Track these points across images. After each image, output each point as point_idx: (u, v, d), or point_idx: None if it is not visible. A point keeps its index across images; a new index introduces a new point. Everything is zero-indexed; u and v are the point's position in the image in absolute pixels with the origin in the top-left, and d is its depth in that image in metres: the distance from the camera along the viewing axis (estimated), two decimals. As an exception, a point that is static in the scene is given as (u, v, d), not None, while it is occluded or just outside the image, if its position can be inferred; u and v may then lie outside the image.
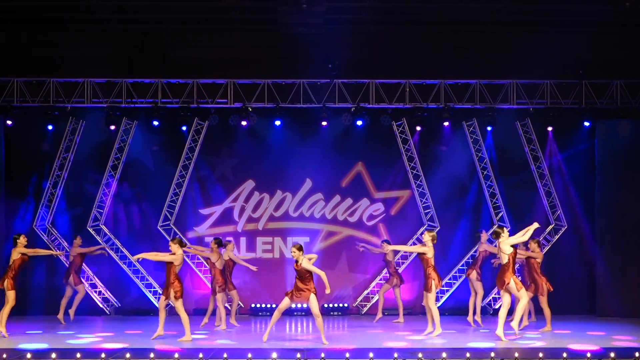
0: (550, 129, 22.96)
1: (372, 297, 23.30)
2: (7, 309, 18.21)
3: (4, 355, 14.58)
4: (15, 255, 18.46)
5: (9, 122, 22.20)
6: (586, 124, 22.70)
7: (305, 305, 22.92)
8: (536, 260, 19.66)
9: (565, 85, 22.28)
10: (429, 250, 18.01)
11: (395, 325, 20.41)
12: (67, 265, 21.46)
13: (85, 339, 17.65)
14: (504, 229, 17.65)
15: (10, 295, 18.20)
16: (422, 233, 22.92)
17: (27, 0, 20.98)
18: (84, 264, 22.20)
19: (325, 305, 22.91)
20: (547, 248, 23.12)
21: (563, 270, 23.50)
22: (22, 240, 18.49)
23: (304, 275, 17.04)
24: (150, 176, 23.51)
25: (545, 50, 21.96)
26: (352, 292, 23.52)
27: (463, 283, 22.87)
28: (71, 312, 20.99)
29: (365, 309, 23.33)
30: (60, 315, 20.86)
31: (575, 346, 16.00)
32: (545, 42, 22.19)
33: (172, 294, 17.20)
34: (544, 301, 19.46)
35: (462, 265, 23.09)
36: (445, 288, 23.03)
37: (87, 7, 21.37)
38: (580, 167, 23.49)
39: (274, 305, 22.81)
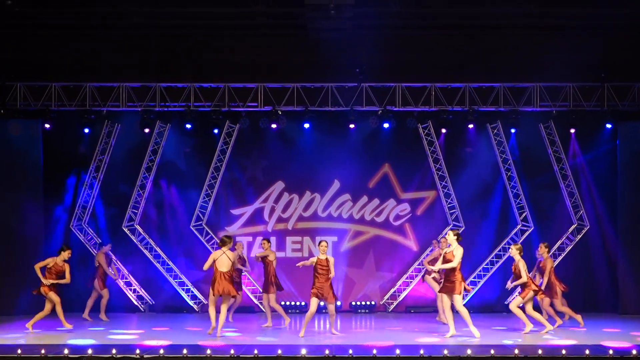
0: (572, 131, 23.20)
1: (399, 295, 23.68)
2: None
3: (42, 351, 14.88)
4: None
5: (47, 126, 22.63)
6: (608, 126, 22.90)
7: (338, 303, 23.51)
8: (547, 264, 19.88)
9: (587, 88, 22.47)
10: (460, 254, 17.71)
11: (423, 323, 20.69)
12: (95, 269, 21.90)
13: (121, 336, 18.04)
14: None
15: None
16: (446, 233, 23.42)
17: (64, 8, 21.20)
18: (119, 262, 22.84)
19: (353, 303, 23.32)
20: (569, 247, 23.42)
21: (585, 269, 23.74)
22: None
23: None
24: (183, 177, 23.87)
25: (567, 54, 22.04)
26: (379, 290, 23.89)
27: (488, 281, 23.27)
28: (102, 316, 21.43)
29: (391, 307, 23.69)
30: (86, 314, 21.40)
31: (609, 343, 16.27)
32: (568, 45, 22.29)
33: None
34: (558, 304, 19.72)
35: (487, 264, 23.45)
36: (469, 287, 23.28)
37: (122, 14, 21.67)
38: (603, 168, 23.67)
39: (303, 303, 23.31)
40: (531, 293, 18.53)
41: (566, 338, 17.50)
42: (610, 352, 14.78)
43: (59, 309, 19.08)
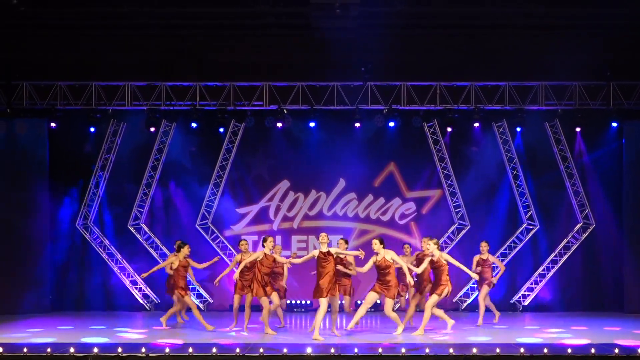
0: (578, 129, 23.25)
1: (403, 295, 23.52)
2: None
3: (48, 350, 14.92)
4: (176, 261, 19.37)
5: (53, 125, 22.68)
6: (614, 124, 22.92)
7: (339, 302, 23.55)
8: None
9: (593, 87, 22.49)
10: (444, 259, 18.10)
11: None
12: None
13: (127, 334, 18.02)
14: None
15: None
16: (452, 232, 23.48)
17: (69, 7, 21.26)
18: (124, 261, 22.87)
19: (359, 302, 23.00)
20: (575, 246, 23.43)
21: (591, 267, 23.75)
22: (186, 250, 19.39)
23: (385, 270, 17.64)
24: (188, 176, 23.86)
25: (572, 53, 22.09)
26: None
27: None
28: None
29: (397, 306, 23.59)
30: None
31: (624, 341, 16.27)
32: (572, 44, 22.30)
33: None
34: (423, 303, 19.25)
35: (492, 263, 23.31)
36: (475, 285, 23.19)
37: (127, 14, 21.66)
38: (608, 167, 23.66)
39: (308, 302, 23.35)
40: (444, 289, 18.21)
41: (574, 337, 17.46)
42: (616, 350, 14.76)
43: (197, 313, 19.01)
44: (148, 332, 18.50)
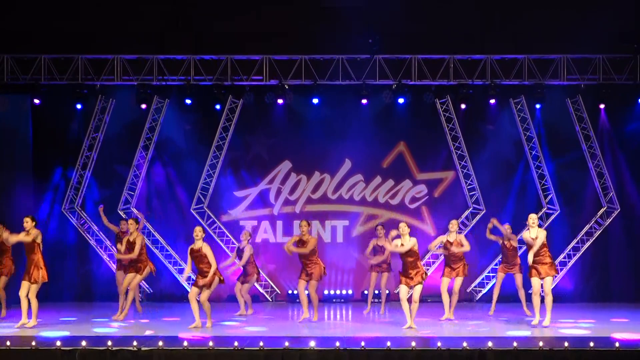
0: (602, 106, 22.35)
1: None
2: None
3: (33, 343, 14.26)
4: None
5: (36, 101, 21.77)
6: (641, 100, 22.11)
7: (345, 292, 22.71)
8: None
9: (618, 60, 21.50)
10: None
11: (439, 312, 19.59)
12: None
13: (116, 327, 17.41)
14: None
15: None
16: (466, 217, 22.53)
17: None
18: (114, 248, 21.89)
19: (366, 292, 22.22)
20: (599, 232, 22.62)
21: (615, 254, 22.94)
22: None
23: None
24: (182, 157, 23.11)
25: (597, 23, 21.18)
26: (393, 278, 22.43)
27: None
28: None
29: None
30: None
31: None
32: (598, 14, 21.30)
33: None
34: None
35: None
36: (491, 274, 22.65)
37: None
38: (634, 146, 22.80)
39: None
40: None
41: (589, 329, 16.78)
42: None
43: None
44: (142, 324, 17.94)
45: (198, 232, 17.07)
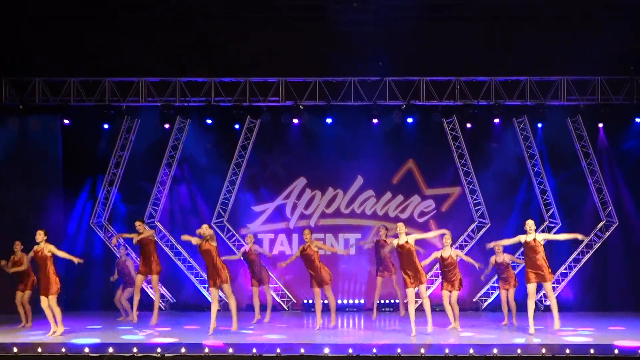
0: (601, 125, 22.85)
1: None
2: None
3: (63, 350, 14.81)
4: None
5: (66, 122, 22.52)
6: (637, 120, 22.50)
7: (357, 302, 23.35)
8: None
9: (616, 82, 22.12)
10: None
11: (447, 321, 20.12)
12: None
13: (142, 334, 17.88)
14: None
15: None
16: (472, 230, 23.12)
17: (82, 1, 21.33)
18: (138, 259, 22.56)
19: (380, 302, 22.79)
20: (598, 244, 23.08)
21: (614, 266, 23.37)
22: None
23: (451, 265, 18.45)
24: (203, 173, 23.67)
25: (595, 46, 21.60)
26: (402, 288, 23.38)
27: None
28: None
29: (416, 305, 23.22)
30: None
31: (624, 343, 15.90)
32: (596, 38, 21.76)
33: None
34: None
35: (512, 262, 22.90)
36: (495, 284, 22.76)
37: (141, 6, 21.67)
38: (632, 163, 23.24)
39: (325, 302, 22.90)
40: None
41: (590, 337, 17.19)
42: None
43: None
44: (165, 332, 18.35)
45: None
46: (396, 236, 17.84)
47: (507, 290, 19.72)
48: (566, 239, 18.31)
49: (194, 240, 17.75)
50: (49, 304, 17.79)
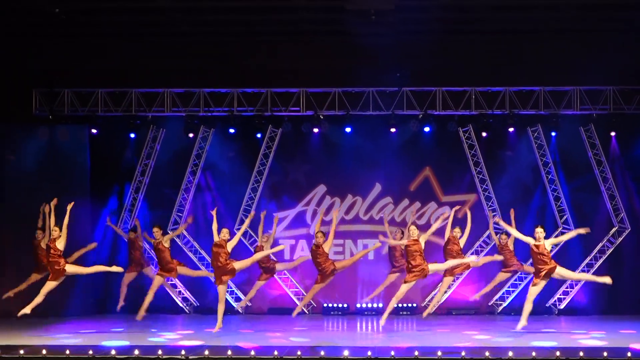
0: (613, 134, 23.18)
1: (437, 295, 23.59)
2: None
3: (90, 352, 14.98)
4: None
5: (94, 131, 22.97)
6: (649, 129, 22.81)
7: (375, 305, 23.68)
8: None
9: (628, 91, 22.43)
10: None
11: (462, 324, 20.77)
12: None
13: (166, 337, 18.15)
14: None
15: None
16: (487, 236, 23.49)
17: (109, 15, 21.75)
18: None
19: (396, 305, 23.17)
20: (611, 250, 23.41)
21: (627, 270, 23.62)
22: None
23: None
24: (226, 181, 24.09)
25: (607, 57, 22.10)
26: (420, 292, 23.81)
27: (528, 284, 23.11)
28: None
29: (433, 308, 23.69)
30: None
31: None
32: (608, 48, 22.39)
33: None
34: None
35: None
36: (511, 289, 23.54)
37: (166, 20, 22.10)
38: (643, 171, 23.50)
39: (345, 305, 23.60)
40: None
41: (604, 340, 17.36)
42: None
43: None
44: (189, 335, 18.60)
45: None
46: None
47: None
48: (570, 238, 18.70)
49: (215, 235, 18.81)
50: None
